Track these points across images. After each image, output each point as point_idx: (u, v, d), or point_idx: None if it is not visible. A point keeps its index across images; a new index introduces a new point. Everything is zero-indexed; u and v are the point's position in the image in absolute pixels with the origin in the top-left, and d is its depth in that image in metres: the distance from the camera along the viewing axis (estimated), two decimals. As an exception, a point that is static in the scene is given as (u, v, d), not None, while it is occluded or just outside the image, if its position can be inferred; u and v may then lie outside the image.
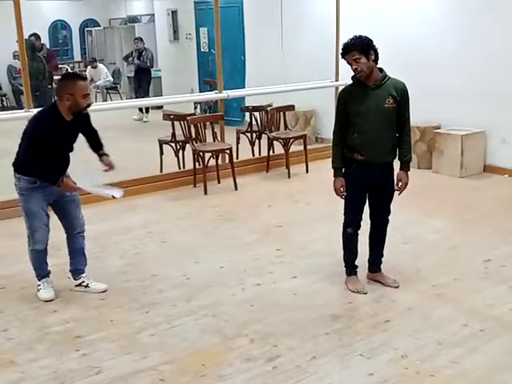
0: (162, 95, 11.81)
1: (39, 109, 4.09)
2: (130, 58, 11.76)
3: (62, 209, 4.07)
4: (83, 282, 4.19)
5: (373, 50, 3.78)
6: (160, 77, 12.83)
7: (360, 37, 3.80)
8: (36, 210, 3.94)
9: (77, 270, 4.21)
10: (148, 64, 11.50)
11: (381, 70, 3.87)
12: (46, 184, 3.88)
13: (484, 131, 7.06)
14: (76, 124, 3.94)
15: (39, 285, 4.14)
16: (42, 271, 4.13)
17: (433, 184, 6.79)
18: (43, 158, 3.79)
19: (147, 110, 11.35)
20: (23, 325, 3.78)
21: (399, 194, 4.05)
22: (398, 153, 4.01)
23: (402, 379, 3.10)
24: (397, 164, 4.02)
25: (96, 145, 4.17)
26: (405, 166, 4.01)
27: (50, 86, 9.54)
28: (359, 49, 3.73)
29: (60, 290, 4.23)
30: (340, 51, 3.86)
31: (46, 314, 3.92)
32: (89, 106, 3.91)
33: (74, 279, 4.22)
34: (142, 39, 11.94)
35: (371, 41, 3.80)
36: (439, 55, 7.28)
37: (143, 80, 11.49)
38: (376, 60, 3.82)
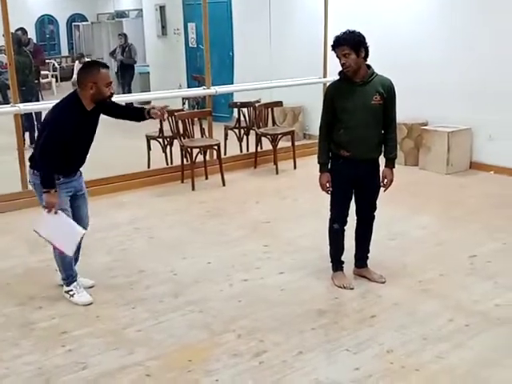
0: (149, 91, 11.75)
1: (60, 99, 3.86)
2: (115, 54, 11.80)
3: (76, 204, 3.96)
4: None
5: (364, 47, 3.77)
6: (148, 72, 12.77)
7: (353, 32, 3.78)
8: (61, 208, 3.80)
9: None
10: (131, 59, 11.51)
11: (368, 66, 3.87)
12: (68, 179, 3.81)
13: (470, 128, 7.10)
14: (95, 113, 3.86)
15: (70, 290, 3.98)
16: (71, 272, 3.98)
17: (419, 180, 6.83)
18: (60, 151, 3.67)
19: (132, 105, 11.31)
20: (8, 321, 3.76)
21: (384, 190, 4.07)
22: (383, 150, 4.02)
23: (387, 374, 3.12)
24: (382, 160, 4.03)
25: (130, 111, 4.17)
26: (390, 163, 4.03)
27: (36, 81, 9.46)
28: (350, 44, 3.72)
29: (46, 286, 4.20)
30: (331, 43, 3.81)
31: (32, 310, 3.90)
32: (112, 95, 3.82)
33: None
34: (125, 35, 11.95)
35: (363, 37, 3.78)
36: (427, 54, 7.31)
37: (126, 75, 11.51)
38: (366, 57, 3.82)
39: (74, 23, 18.13)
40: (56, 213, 3.72)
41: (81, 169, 4.00)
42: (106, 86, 3.73)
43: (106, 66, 3.84)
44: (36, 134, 8.90)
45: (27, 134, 8.31)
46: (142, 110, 4.03)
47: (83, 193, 4.03)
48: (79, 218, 4.00)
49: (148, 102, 10.50)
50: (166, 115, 4.07)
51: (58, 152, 3.69)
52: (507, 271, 4.32)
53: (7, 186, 6.00)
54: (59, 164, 3.72)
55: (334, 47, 3.79)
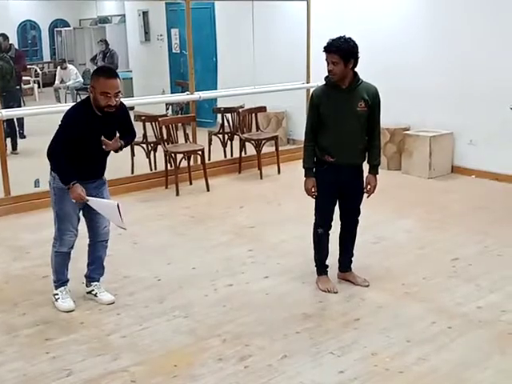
0: (133, 96, 11.73)
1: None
2: (96, 60, 11.77)
3: (91, 212, 3.91)
4: (93, 290, 4.08)
5: (354, 58, 3.78)
6: (131, 78, 12.73)
7: (348, 42, 3.77)
8: (68, 213, 3.81)
9: (90, 277, 4.11)
10: (112, 65, 11.49)
11: (355, 73, 3.89)
12: (83, 185, 3.74)
13: (452, 133, 7.19)
14: (111, 121, 3.76)
15: (56, 294, 3.97)
16: (62, 276, 3.99)
17: (402, 185, 6.89)
18: (67, 150, 3.66)
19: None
20: (-8, 328, 3.73)
21: (368, 196, 4.11)
22: (367, 156, 4.06)
23: (371, 376, 3.15)
24: (366, 166, 4.07)
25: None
26: (374, 170, 4.06)
27: (18, 87, 9.40)
28: (341, 54, 3.72)
29: (30, 293, 4.18)
30: (324, 45, 3.80)
31: (15, 316, 3.87)
32: (109, 106, 3.64)
33: (86, 286, 4.12)
34: (106, 41, 11.94)
35: (356, 48, 3.78)
36: (409, 58, 7.39)
37: None
38: (353, 67, 3.83)
39: (56, 29, 18.00)
40: (87, 201, 3.72)
41: (103, 178, 3.97)
42: (100, 95, 3.62)
43: (110, 76, 3.65)
44: (18, 140, 8.89)
45: (9, 140, 8.25)
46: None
47: None
48: (93, 226, 3.98)
49: (131, 108, 10.51)
50: (107, 146, 3.80)
51: (64, 150, 3.68)
52: (489, 274, 4.37)
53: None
54: (70, 164, 3.70)
55: (325, 50, 3.80)
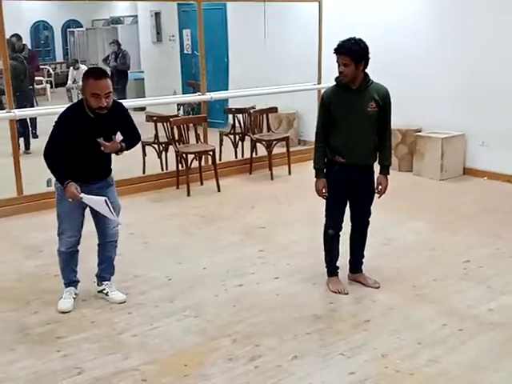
0: (144, 96, 11.79)
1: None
2: (108, 61, 11.84)
3: (98, 215, 3.92)
4: (104, 289, 4.10)
5: (365, 59, 3.78)
6: (143, 78, 12.80)
7: (359, 43, 3.77)
8: (67, 213, 3.82)
9: (101, 277, 4.14)
10: (124, 66, 11.56)
11: (366, 74, 3.89)
12: (85, 186, 3.77)
13: (464, 134, 7.15)
14: (106, 123, 3.74)
15: (62, 293, 4.02)
16: (66, 277, 4.02)
17: (413, 186, 6.86)
18: (62, 150, 3.69)
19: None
20: (4, 326, 3.76)
21: (379, 197, 4.10)
22: (378, 156, 4.05)
23: (382, 378, 3.14)
24: (377, 167, 4.06)
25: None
26: (385, 170, 4.05)
27: (30, 87, 9.47)
28: (353, 56, 3.72)
29: (41, 291, 4.21)
30: (335, 46, 3.80)
31: (27, 315, 3.90)
32: (100, 108, 3.63)
33: (98, 285, 4.15)
34: (118, 42, 12.01)
35: (367, 50, 3.79)
36: (422, 60, 7.36)
37: (120, 81, 11.55)
38: (364, 69, 3.83)
39: (68, 29, 18.14)
40: (81, 198, 3.72)
41: (109, 179, 3.97)
42: (91, 96, 3.62)
43: (99, 77, 3.64)
44: (30, 139, 8.96)
45: (22, 140, 8.31)
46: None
47: None
48: (100, 226, 4.00)
49: (143, 108, 10.56)
50: (105, 148, 3.78)
51: (58, 150, 3.70)
52: (500, 276, 4.35)
53: (2, 192, 6.01)
54: (65, 164, 3.72)
55: (336, 52, 3.80)
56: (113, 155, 3.97)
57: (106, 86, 3.64)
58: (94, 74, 3.70)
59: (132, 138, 4.01)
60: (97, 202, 3.77)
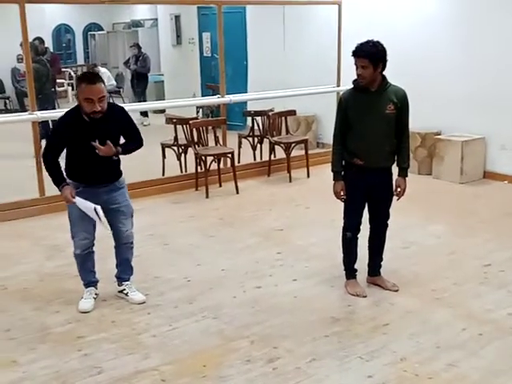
0: (164, 99, 11.87)
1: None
2: (128, 64, 11.94)
3: (108, 217, 3.96)
4: (124, 289, 4.15)
5: (383, 61, 3.78)
6: (163, 81, 12.88)
7: (377, 46, 3.77)
8: (78, 216, 3.82)
9: (120, 278, 4.19)
10: (144, 69, 11.65)
11: (383, 77, 3.89)
12: (91, 189, 3.81)
13: (484, 138, 7.10)
14: (103, 127, 3.73)
15: (84, 293, 4.07)
16: (84, 278, 4.07)
17: (433, 189, 6.82)
18: (55, 153, 3.75)
19: (146, 113, 11.46)
20: (25, 325, 3.82)
21: (397, 199, 4.09)
22: (396, 159, 4.05)
23: (400, 381, 3.13)
24: (395, 169, 4.06)
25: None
26: (403, 173, 4.04)
27: (52, 89, 9.60)
28: (370, 58, 3.72)
29: (62, 291, 4.26)
30: (353, 49, 3.80)
31: (48, 314, 3.95)
32: (94, 113, 3.64)
33: (118, 285, 4.20)
34: (138, 45, 12.10)
35: (385, 52, 3.78)
36: (442, 62, 7.32)
37: (140, 84, 11.65)
38: (382, 71, 3.83)
39: (89, 32, 18.31)
40: (74, 203, 3.75)
41: (117, 183, 3.97)
42: (84, 101, 3.62)
43: (92, 82, 3.62)
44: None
45: (44, 141, 8.41)
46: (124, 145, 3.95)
47: (115, 207, 3.95)
48: (113, 229, 4.02)
49: (163, 111, 10.64)
50: (100, 151, 3.73)
51: (54, 153, 3.75)
52: (521, 280, 4.32)
53: (25, 193, 6.09)
54: (60, 167, 3.77)
55: (354, 55, 3.80)
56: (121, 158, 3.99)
57: (100, 91, 3.63)
58: (86, 78, 3.70)
59: (132, 142, 3.98)
60: (88, 208, 3.77)
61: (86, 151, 3.75)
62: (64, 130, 3.77)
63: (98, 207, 3.76)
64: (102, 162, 3.81)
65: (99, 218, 3.78)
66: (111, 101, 12.71)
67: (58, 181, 3.78)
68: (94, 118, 3.69)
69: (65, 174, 3.85)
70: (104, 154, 3.75)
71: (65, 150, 3.84)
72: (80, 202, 3.77)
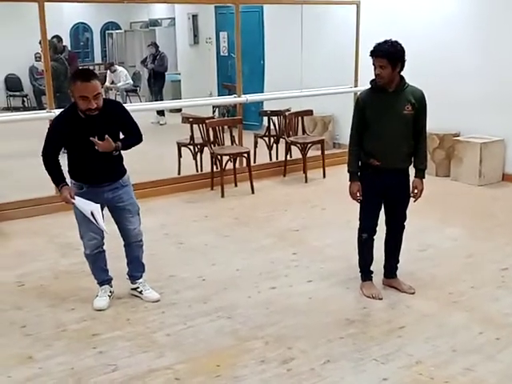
0: (181, 98, 11.90)
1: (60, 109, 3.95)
2: (146, 62, 12.00)
3: (115, 216, 3.97)
4: (138, 287, 4.16)
5: (401, 61, 3.75)
6: (179, 80, 12.92)
7: (395, 46, 3.74)
8: (82, 217, 3.81)
9: (132, 276, 4.20)
10: (162, 68, 11.68)
11: (401, 77, 3.85)
12: (94, 189, 3.80)
13: (503, 139, 7.02)
14: (100, 124, 3.69)
15: (98, 291, 4.09)
16: (98, 277, 4.09)
17: (451, 192, 6.76)
18: (53, 151, 3.73)
19: (162, 113, 11.50)
20: (41, 322, 3.84)
21: (414, 201, 4.05)
22: (413, 160, 4.01)
23: (415, 385, 3.11)
24: (412, 170, 4.02)
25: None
26: (420, 174, 4.00)
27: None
28: (389, 58, 3.69)
29: (78, 289, 4.28)
30: (371, 49, 3.77)
31: (64, 311, 3.97)
32: (90, 109, 3.59)
33: (131, 283, 4.20)
34: (156, 44, 12.15)
35: (403, 52, 3.75)
36: (460, 62, 7.25)
37: (157, 83, 11.69)
38: (400, 71, 3.80)
39: (107, 31, 18.43)
40: (74, 203, 3.73)
41: (121, 181, 3.93)
42: (79, 99, 3.57)
43: (86, 79, 3.55)
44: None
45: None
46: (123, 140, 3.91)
47: (121, 206, 3.94)
48: (120, 227, 4.02)
49: (179, 110, 10.65)
50: (98, 146, 3.69)
51: (52, 151, 3.73)
52: (539, 285, 4.26)
53: (41, 190, 6.13)
54: (59, 167, 3.76)
55: (372, 55, 3.78)
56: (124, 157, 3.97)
57: (95, 88, 3.58)
58: (81, 76, 3.61)
59: (131, 137, 3.94)
60: (86, 209, 3.75)
61: (86, 149, 3.72)
62: (61, 127, 3.73)
63: (96, 210, 3.73)
64: (103, 158, 3.76)
65: (95, 221, 3.75)
66: (128, 100, 12.67)
67: (58, 181, 3.75)
68: (90, 115, 3.66)
69: (68, 175, 3.83)
70: (103, 150, 3.71)
71: (66, 152, 3.83)
72: (79, 202, 3.75)
